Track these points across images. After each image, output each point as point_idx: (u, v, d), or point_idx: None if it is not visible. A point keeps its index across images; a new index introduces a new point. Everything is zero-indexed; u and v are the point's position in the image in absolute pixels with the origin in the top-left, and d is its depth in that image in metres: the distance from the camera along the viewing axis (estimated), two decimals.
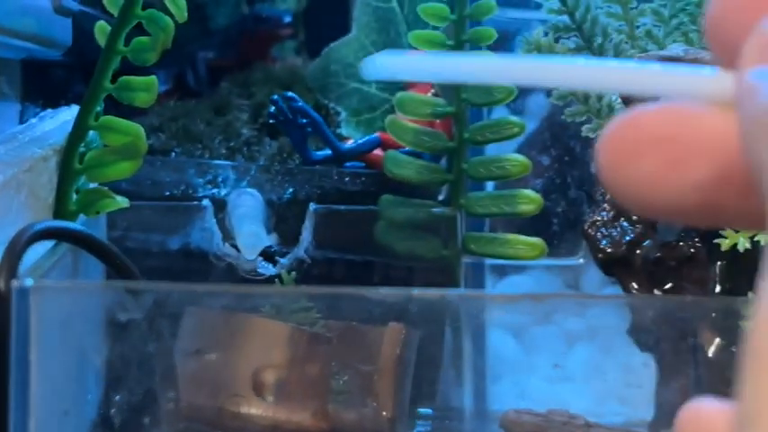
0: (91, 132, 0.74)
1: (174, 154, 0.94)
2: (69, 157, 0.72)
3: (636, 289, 0.83)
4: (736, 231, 0.71)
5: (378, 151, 0.88)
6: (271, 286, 0.75)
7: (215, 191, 0.87)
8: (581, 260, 0.88)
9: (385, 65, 0.28)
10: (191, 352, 0.72)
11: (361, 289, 0.56)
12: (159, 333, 0.59)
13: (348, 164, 0.89)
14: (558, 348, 0.90)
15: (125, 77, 0.73)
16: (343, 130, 0.93)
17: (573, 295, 0.83)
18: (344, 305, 0.59)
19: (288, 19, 1.12)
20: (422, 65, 0.28)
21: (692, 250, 0.79)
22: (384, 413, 0.76)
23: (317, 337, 0.77)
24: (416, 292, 0.56)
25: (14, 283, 0.57)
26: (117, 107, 0.75)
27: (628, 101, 0.76)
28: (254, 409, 0.74)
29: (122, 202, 0.73)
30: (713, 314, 0.69)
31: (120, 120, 0.73)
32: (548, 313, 0.91)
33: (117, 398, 0.60)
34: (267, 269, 0.83)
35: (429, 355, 0.78)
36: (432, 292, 0.60)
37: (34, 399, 0.57)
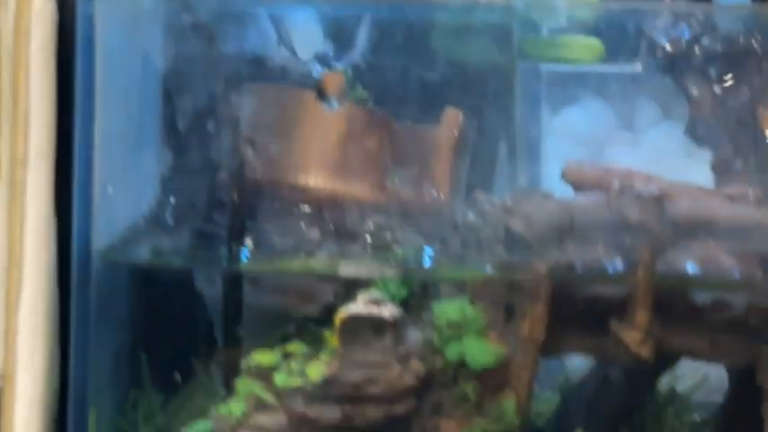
0: None
1: None
2: None
3: (695, 91, 0.82)
4: None
5: None
6: None
7: None
8: (639, 67, 0.86)
9: None
10: (251, 127, 0.72)
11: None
12: (223, 37, 0.59)
13: None
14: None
15: None
16: None
17: None
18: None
19: None
20: None
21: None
22: (441, 193, 0.76)
23: (373, 113, 0.76)
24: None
25: None
26: None
27: None
28: (313, 180, 0.73)
29: None
30: None
31: None
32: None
33: (182, 103, 0.59)
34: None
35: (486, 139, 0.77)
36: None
37: (99, 102, 0.57)
